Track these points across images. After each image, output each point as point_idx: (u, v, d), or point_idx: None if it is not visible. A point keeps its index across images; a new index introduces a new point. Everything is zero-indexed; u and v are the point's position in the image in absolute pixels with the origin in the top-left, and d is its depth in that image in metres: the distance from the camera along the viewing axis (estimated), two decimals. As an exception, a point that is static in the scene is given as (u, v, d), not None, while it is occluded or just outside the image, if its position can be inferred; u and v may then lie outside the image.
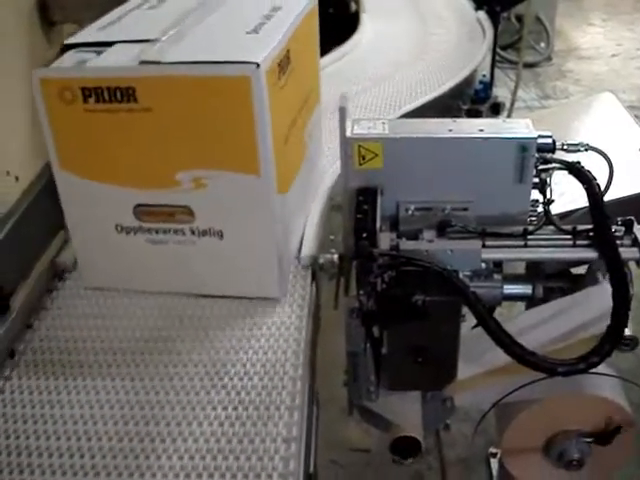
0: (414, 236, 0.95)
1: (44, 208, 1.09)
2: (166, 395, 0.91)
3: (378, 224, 0.92)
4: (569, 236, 0.94)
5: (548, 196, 0.94)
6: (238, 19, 1.05)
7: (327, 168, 1.33)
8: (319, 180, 1.27)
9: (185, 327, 1.02)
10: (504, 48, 4.16)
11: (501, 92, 2.93)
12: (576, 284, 1.01)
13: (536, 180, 0.95)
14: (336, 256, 1.05)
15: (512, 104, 2.94)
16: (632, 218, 0.93)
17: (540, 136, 0.93)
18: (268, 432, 0.85)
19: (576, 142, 0.97)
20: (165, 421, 0.87)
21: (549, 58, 4.52)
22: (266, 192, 0.95)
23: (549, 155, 0.95)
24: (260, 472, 0.80)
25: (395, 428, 1.02)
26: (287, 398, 0.89)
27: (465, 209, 0.95)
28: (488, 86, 1.94)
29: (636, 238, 0.92)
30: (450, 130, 0.94)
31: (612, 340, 0.88)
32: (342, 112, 0.92)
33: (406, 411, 1.03)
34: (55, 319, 1.04)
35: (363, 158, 0.94)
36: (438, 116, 1.02)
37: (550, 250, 0.94)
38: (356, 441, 1.82)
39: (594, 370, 1.01)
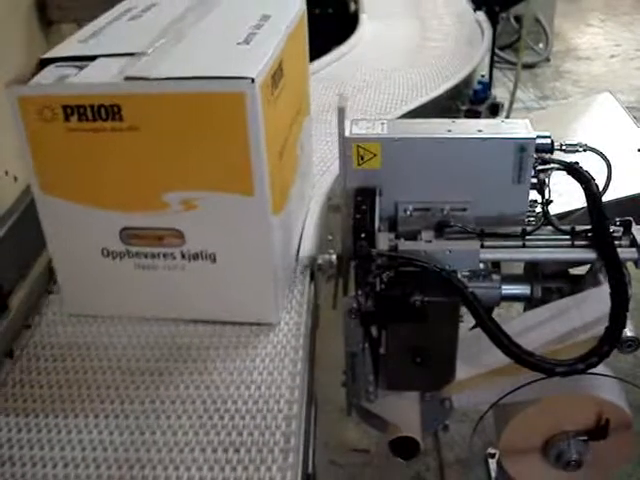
0: (413, 236, 0.95)
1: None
2: (152, 435, 0.85)
3: (377, 224, 0.92)
4: (567, 236, 0.94)
5: (546, 196, 0.94)
6: (227, 29, 0.99)
7: (325, 168, 1.33)
8: (311, 192, 1.24)
9: (175, 358, 0.96)
10: (503, 49, 4.16)
11: (500, 93, 2.93)
12: (576, 285, 1.01)
13: (534, 180, 0.95)
14: (334, 256, 1.05)
15: (511, 105, 2.95)
16: (630, 219, 0.93)
17: (539, 136, 0.93)
18: (261, 478, 0.80)
19: (574, 142, 0.97)
20: (151, 465, 0.81)
21: (548, 59, 4.53)
22: (261, 213, 0.91)
23: (547, 155, 0.95)
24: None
25: (393, 428, 1.02)
26: (281, 439, 0.85)
27: (464, 209, 0.95)
28: (487, 86, 1.94)
29: (634, 238, 0.92)
30: (449, 130, 0.94)
31: (610, 341, 0.88)
32: (341, 112, 0.92)
33: (405, 411, 1.03)
34: (37, 347, 0.99)
35: (362, 158, 0.94)
36: (437, 117, 1.02)
37: (548, 250, 0.94)
38: (355, 441, 1.82)
39: (593, 371, 1.01)
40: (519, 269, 1.10)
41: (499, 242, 0.94)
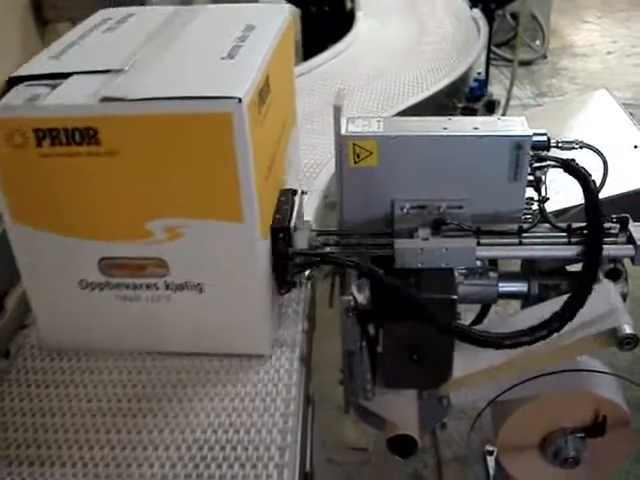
0: (410, 234, 0.95)
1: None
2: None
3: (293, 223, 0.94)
4: (564, 234, 0.94)
5: (543, 194, 0.94)
6: (210, 42, 0.94)
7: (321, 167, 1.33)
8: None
9: (159, 396, 0.90)
10: (499, 46, 4.16)
11: (496, 90, 2.93)
12: (574, 282, 1.01)
13: (531, 178, 0.95)
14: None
15: (507, 102, 2.95)
16: (627, 215, 0.93)
17: (535, 134, 0.93)
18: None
19: (571, 140, 0.97)
20: None
21: (544, 56, 4.52)
22: (250, 240, 0.86)
23: (544, 153, 0.95)
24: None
25: (391, 426, 1.02)
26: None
27: (460, 207, 0.95)
28: (483, 84, 1.94)
29: (631, 235, 0.92)
30: (445, 128, 0.94)
31: (561, 318, 0.89)
32: (337, 110, 0.92)
33: (402, 409, 1.03)
34: (12, 384, 0.93)
35: (358, 156, 0.94)
36: (433, 114, 1.02)
37: (545, 248, 0.94)
38: (353, 440, 1.82)
39: (590, 367, 1.01)
40: (516, 267, 1.09)
41: (495, 240, 0.94)
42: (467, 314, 0.91)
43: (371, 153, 0.94)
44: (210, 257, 0.87)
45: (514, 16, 4.09)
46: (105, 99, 0.78)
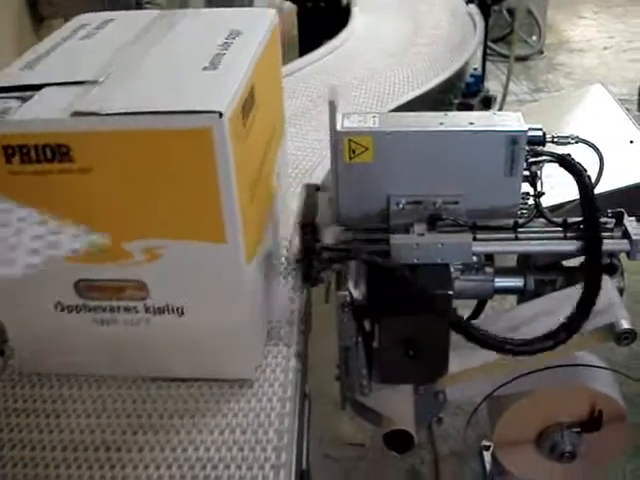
0: (405, 230, 0.95)
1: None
2: None
3: None
4: (560, 229, 0.94)
5: (539, 189, 0.94)
6: (191, 50, 0.89)
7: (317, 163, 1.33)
8: (290, 218, 1.14)
9: (141, 427, 0.85)
10: (495, 41, 4.16)
11: (493, 86, 2.93)
12: (570, 277, 1.01)
13: (526, 173, 0.95)
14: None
15: (504, 98, 2.95)
16: (622, 210, 0.93)
17: (530, 129, 0.93)
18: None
19: (566, 135, 0.97)
20: None
21: (540, 51, 4.53)
22: (234, 261, 0.81)
23: (539, 148, 0.95)
24: None
25: (387, 422, 1.02)
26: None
27: (456, 202, 0.95)
28: (479, 79, 1.94)
29: (626, 230, 0.92)
30: (441, 123, 0.94)
31: (571, 328, 0.88)
32: (332, 106, 0.92)
33: (398, 405, 1.03)
34: None
35: (353, 152, 0.94)
36: (429, 110, 1.02)
37: (541, 243, 0.94)
38: (350, 435, 1.82)
39: (586, 362, 1.02)
40: (512, 262, 1.10)
41: (491, 235, 0.94)
42: (461, 308, 0.91)
43: (367, 149, 0.94)
44: (192, 279, 0.83)
45: (510, 12, 4.09)
46: (77, 113, 0.74)
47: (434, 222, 0.94)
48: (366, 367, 0.99)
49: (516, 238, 0.94)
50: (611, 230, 0.93)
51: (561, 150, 0.96)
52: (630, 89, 3.76)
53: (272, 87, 1.01)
